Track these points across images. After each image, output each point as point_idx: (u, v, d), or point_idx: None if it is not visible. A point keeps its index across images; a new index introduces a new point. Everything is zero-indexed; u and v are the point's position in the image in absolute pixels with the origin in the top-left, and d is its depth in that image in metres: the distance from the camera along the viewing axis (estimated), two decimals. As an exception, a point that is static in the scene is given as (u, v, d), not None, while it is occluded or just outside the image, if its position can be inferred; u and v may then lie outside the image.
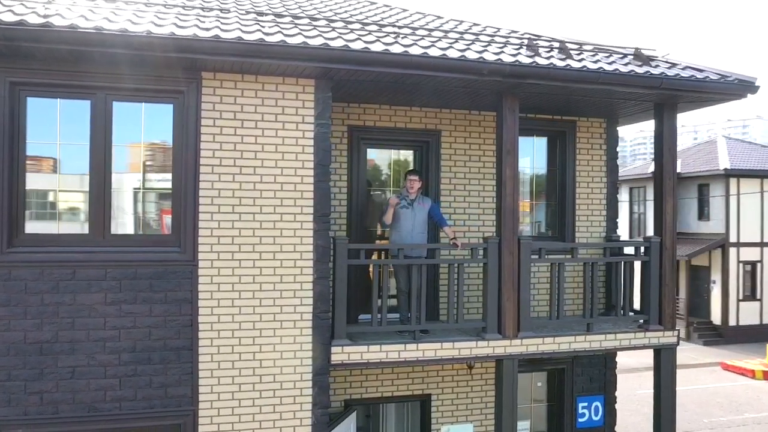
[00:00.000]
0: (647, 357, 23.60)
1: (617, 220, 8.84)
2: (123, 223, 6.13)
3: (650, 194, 27.24)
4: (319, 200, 6.37)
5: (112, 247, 5.91)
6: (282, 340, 6.29)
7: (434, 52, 6.23)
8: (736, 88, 7.12)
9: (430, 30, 7.20)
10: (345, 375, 7.78)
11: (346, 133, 7.77)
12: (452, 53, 6.29)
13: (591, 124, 8.69)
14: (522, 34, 7.97)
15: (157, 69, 5.89)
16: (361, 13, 7.94)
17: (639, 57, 7.33)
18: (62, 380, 5.77)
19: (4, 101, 5.65)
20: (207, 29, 5.77)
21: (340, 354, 6.44)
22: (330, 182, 7.29)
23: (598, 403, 8.64)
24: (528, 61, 6.50)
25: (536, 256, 7.26)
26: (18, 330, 5.68)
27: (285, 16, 6.73)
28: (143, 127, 6.12)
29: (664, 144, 7.55)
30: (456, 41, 6.82)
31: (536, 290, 8.31)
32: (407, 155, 8.35)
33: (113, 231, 5.98)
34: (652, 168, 27.84)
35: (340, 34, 6.28)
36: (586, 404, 8.58)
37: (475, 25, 8.33)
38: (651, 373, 21.21)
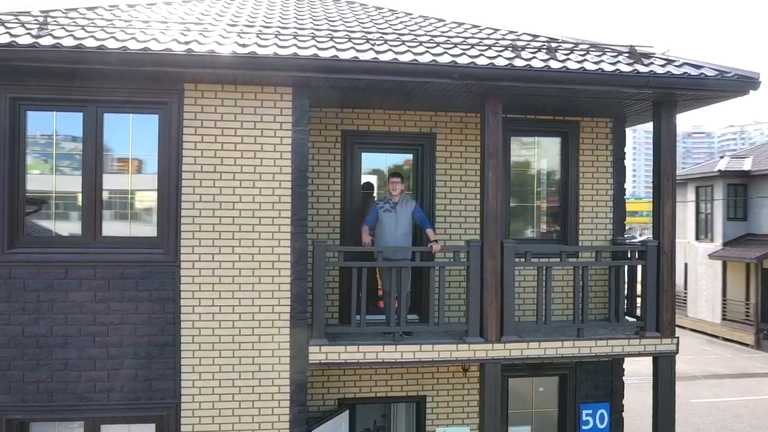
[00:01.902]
0: (709, 365, 22.50)
1: (625, 222, 8.57)
2: (112, 226, 6.55)
3: (718, 193, 25.91)
4: (297, 204, 6.58)
5: (101, 248, 6.36)
6: (260, 338, 6.54)
7: (405, 57, 6.31)
8: (736, 84, 6.78)
9: (417, 35, 7.23)
10: (339, 374, 7.96)
11: (339, 138, 7.95)
12: (424, 58, 6.35)
13: (596, 124, 8.46)
14: (519, 35, 7.89)
15: (141, 82, 6.29)
16: (356, 20, 8.08)
17: (633, 55, 7.10)
18: (56, 371, 6.26)
19: (4, 115, 6.20)
20: (186, 43, 6.11)
21: (317, 354, 6.62)
22: (308, 187, 7.54)
23: (603, 411, 8.40)
24: (503, 63, 6.46)
25: (522, 260, 7.17)
26: (17, 324, 6.21)
27: (271, 27, 6.98)
28: (131, 136, 6.54)
29: (662, 144, 7.28)
30: (437, 45, 6.84)
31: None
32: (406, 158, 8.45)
33: (103, 233, 6.42)
34: (719, 166, 26.49)
35: (316, 44, 6.46)
36: (590, 412, 8.37)
37: (475, 26, 8.30)
38: (710, 382, 20.24)
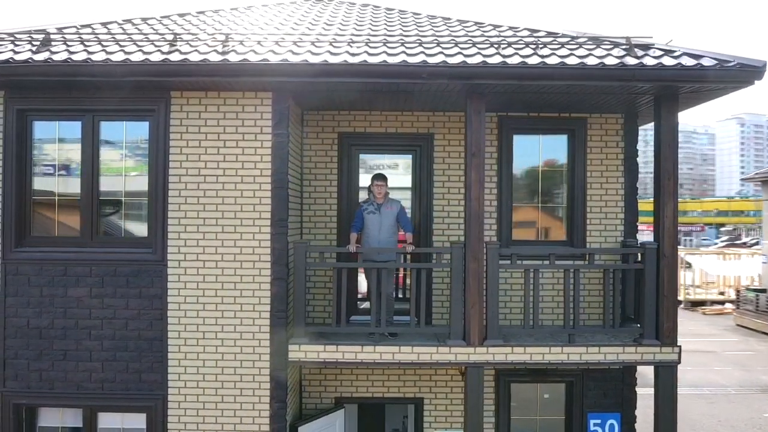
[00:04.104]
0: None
1: (637, 224, 8.11)
2: (107, 227, 7.00)
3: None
4: (276, 206, 6.75)
5: (96, 247, 6.81)
6: (242, 336, 6.77)
7: (375, 59, 6.33)
8: (737, 74, 6.26)
9: (406, 36, 7.23)
10: (336, 373, 8.06)
11: (336, 140, 8.06)
12: (396, 59, 6.34)
13: (605, 121, 8.07)
14: (519, 30, 7.67)
15: (130, 91, 6.69)
16: (355, 24, 8.15)
17: (628, 47, 6.74)
18: (56, 361, 6.77)
19: (12, 125, 6.79)
20: (168, 53, 6.45)
21: (297, 352, 6.76)
22: (305, 189, 7.72)
23: (613, 422, 7.99)
24: (476, 61, 6.33)
25: (508, 262, 6.99)
26: (23, 317, 6.78)
27: (260, 34, 7.19)
28: (125, 142, 6.98)
29: (662, 141, 6.85)
30: (419, 45, 6.79)
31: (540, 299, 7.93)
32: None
33: (99, 233, 6.88)
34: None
35: (292, 48, 6.61)
36: (599, 421, 7.98)
37: (477, 24, 8.15)
38: (794, 394, 18.63)
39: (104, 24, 7.80)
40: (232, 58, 6.30)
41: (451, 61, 6.32)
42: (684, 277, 32.91)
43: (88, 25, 7.69)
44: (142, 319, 6.77)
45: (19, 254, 6.79)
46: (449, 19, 8.63)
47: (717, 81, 6.35)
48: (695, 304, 32.30)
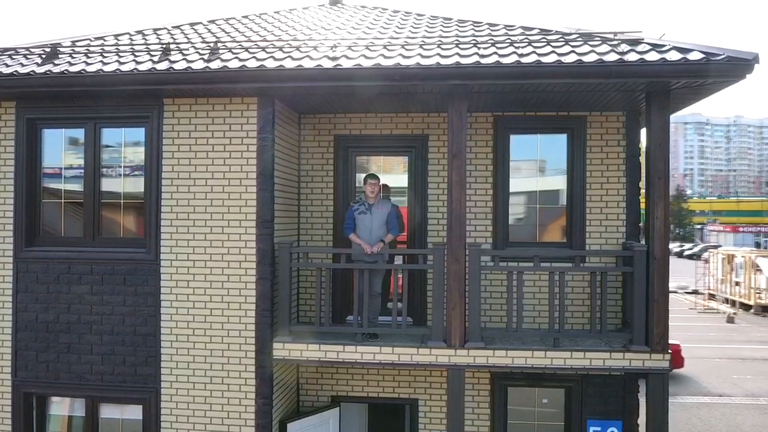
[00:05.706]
0: None
1: (640, 224, 7.81)
2: (107, 228, 7.39)
3: None
4: (261, 207, 6.94)
5: (97, 247, 7.22)
6: (229, 333, 7.00)
7: (349, 63, 6.41)
8: (726, 68, 5.93)
9: (395, 38, 7.29)
10: (332, 372, 8.18)
11: (332, 143, 8.18)
12: (369, 62, 6.40)
13: (606, 119, 7.82)
14: (514, 29, 7.57)
15: (126, 99, 7.05)
16: (351, 27, 8.26)
17: (616, 43, 6.53)
18: (61, 353, 7.22)
19: (23, 133, 7.29)
20: (158, 61, 6.76)
21: (281, 350, 6.93)
22: (302, 191, 7.90)
23: (614, 429, 7.71)
24: (451, 62, 6.29)
25: (492, 263, 6.90)
26: (32, 311, 7.26)
27: (251, 41, 7.42)
28: (123, 147, 7.35)
29: (653, 139, 6.58)
30: (402, 47, 6.83)
31: (537, 300, 7.79)
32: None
33: (100, 234, 7.28)
34: None
35: (275, 54, 6.79)
36: (599, 429, 7.73)
37: (475, 23, 8.09)
38: None
39: (116, 36, 8.24)
40: (214, 65, 6.53)
41: (425, 62, 6.31)
42: (755, 280, 31.18)
43: (101, 37, 8.16)
44: (137, 316, 7.12)
45: (29, 253, 7.29)
46: (450, 19, 8.60)
47: (704, 75, 6.04)
48: (766, 309, 30.56)
